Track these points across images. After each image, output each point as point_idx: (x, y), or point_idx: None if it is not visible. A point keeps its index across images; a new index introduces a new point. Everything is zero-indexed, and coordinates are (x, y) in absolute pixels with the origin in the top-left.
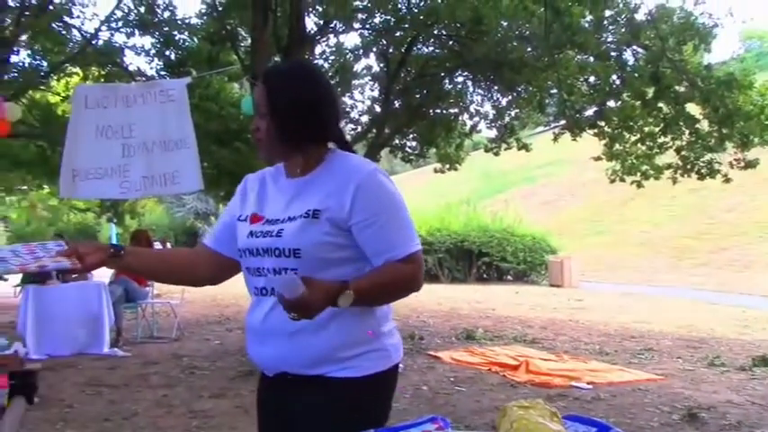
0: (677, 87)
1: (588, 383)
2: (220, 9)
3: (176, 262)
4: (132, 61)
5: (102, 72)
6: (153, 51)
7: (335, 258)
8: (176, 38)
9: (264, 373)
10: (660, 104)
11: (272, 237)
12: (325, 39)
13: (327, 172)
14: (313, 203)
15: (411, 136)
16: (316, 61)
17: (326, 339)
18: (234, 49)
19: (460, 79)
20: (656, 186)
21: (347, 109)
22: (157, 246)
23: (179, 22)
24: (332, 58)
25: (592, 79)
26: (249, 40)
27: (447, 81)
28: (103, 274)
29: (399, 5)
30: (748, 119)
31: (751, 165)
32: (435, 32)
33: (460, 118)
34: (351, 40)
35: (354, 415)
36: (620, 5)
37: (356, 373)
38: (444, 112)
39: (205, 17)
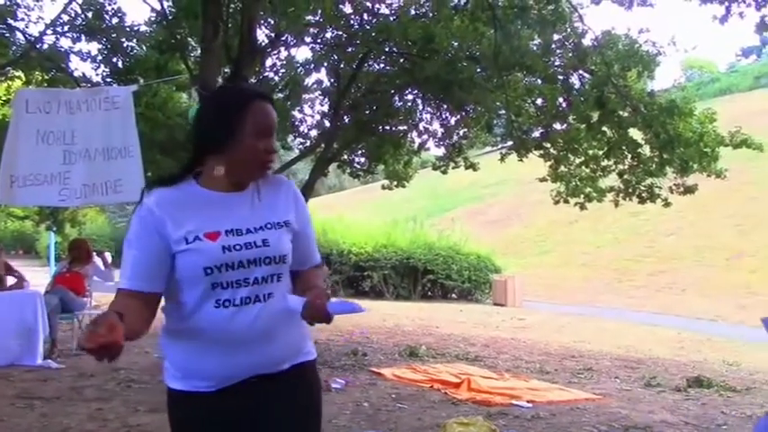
0: (621, 112)
1: (528, 402)
2: (170, 18)
3: (140, 315)
4: (78, 67)
5: (47, 77)
6: (99, 58)
7: None
8: (124, 45)
9: (208, 389)
10: (604, 128)
11: (258, 247)
12: (276, 52)
13: (267, 185)
14: (279, 213)
15: (360, 152)
16: (266, 74)
17: (298, 333)
18: (183, 58)
19: (410, 97)
20: (599, 209)
21: (296, 123)
22: (97, 259)
23: (127, 29)
24: (282, 71)
25: (539, 101)
26: (199, 51)
27: (397, 98)
28: (39, 284)
29: (351, 22)
30: (688, 145)
31: (690, 190)
32: (387, 50)
33: (409, 135)
34: (302, 54)
35: (320, 392)
36: (568, 30)
37: (312, 355)
38: (393, 129)
39: (154, 25)
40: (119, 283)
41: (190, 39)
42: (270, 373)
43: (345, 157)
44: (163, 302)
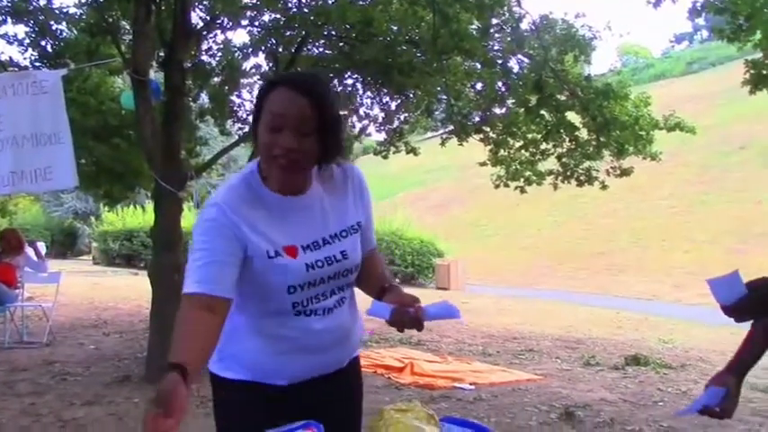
0: (558, 96)
1: (471, 384)
2: (101, 0)
3: (213, 333)
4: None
5: None
6: (27, 41)
7: None
8: (53, 28)
9: (276, 382)
10: (543, 112)
11: (338, 261)
12: (212, 35)
13: (329, 181)
14: (351, 216)
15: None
16: (201, 58)
17: (358, 323)
18: (115, 42)
19: (350, 81)
20: (539, 193)
21: (235, 108)
22: (29, 249)
23: (56, 11)
24: (219, 55)
25: (478, 86)
26: (131, 34)
27: (336, 82)
28: None
29: (289, 5)
30: (624, 128)
31: (626, 173)
32: (325, 33)
33: (350, 120)
34: (239, 37)
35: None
36: (506, 15)
37: (359, 350)
38: None
39: (84, 7)
40: (184, 288)
41: (122, 21)
42: (334, 371)
43: None
44: None
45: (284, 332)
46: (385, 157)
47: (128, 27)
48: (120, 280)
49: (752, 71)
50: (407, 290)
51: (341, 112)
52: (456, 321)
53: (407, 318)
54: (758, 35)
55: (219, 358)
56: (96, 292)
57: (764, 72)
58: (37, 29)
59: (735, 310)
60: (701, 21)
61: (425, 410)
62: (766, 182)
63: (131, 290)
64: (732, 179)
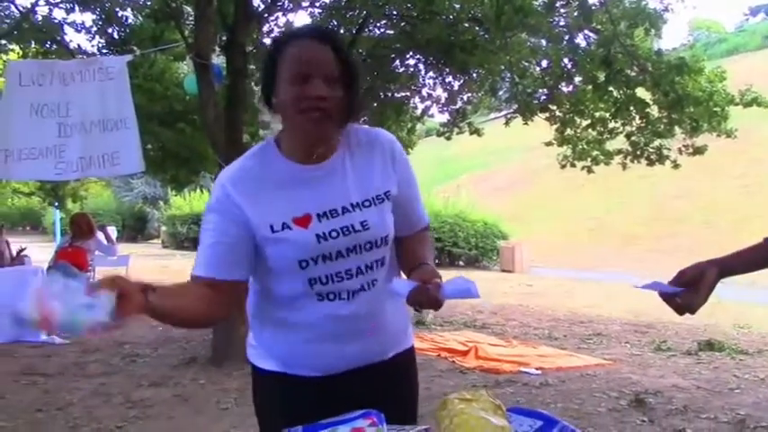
0: (628, 71)
1: (537, 369)
2: None
3: (193, 296)
4: (73, 39)
5: (41, 49)
6: (94, 29)
7: None
8: (119, 15)
9: (312, 374)
10: (611, 89)
11: (357, 231)
12: (273, 17)
13: (361, 146)
14: (377, 184)
15: (362, 119)
16: (264, 40)
17: (403, 319)
18: (178, 27)
19: (412, 62)
20: (606, 173)
21: None
22: (99, 234)
23: None
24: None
25: (544, 63)
26: (194, 18)
27: (398, 63)
28: (42, 259)
29: None
30: (698, 104)
31: (699, 151)
32: (386, 13)
33: (412, 101)
34: (301, 19)
35: (417, 379)
36: None
37: (411, 341)
38: (396, 95)
39: None
40: (192, 270)
41: (185, 6)
42: (375, 363)
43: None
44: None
45: (308, 319)
46: (448, 138)
47: (191, 12)
48: (188, 263)
49: None
50: (471, 274)
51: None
52: (521, 305)
53: (425, 297)
54: None
55: (254, 345)
56: (165, 275)
57: None
58: (103, 16)
59: None
60: None
61: (492, 400)
62: None
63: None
64: None
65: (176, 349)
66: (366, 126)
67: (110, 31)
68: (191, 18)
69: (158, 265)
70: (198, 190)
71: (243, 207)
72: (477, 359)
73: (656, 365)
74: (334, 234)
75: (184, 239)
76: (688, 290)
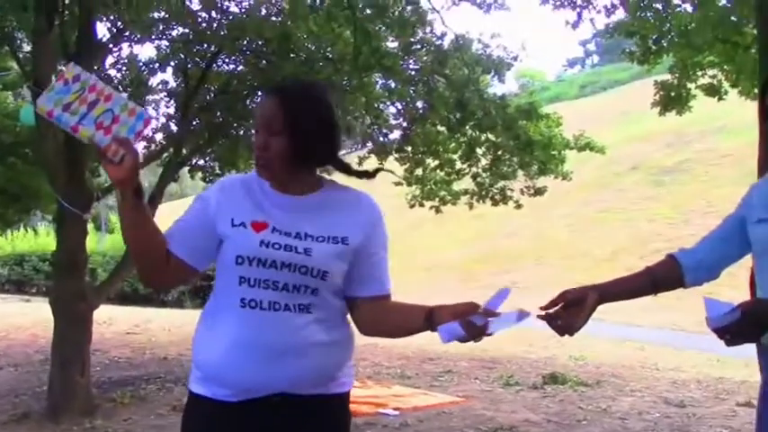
0: (480, 114)
1: (394, 409)
2: None
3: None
4: None
5: None
6: None
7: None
8: None
9: (228, 398)
10: (466, 129)
11: (297, 253)
12: (118, 48)
13: (340, 199)
14: (341, 230)
15: (212, 156)
16: (107, 72)
17: (336, 358)
18: (12, 53)
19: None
20: (445, 212)
21: None
22: None
23: None
24: (125, 69)
25: (398, 105)
26: (30, 46)
27: (250, 100)
28: None
29: (200, 19)
30: (546, 148)
31: (539, 192)
32: (240, 49)
33: None
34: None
35: (347, 429)
36: (428, 32)
37: (347, 387)
38: (248, 132)
39: None
40: None
41: (19, 33)
42: (295, 395)
43: (196, 161)
44: None
45: (228, 322)
46: None
47: (26, 38)
48: (10, 307)
49: (661, 93)
50: None
51: (328, 117)
52: (370, 343)
53: (476, 331)
54: (669, 58)
55: (192, 368)
56: None
57: (672, 94)
58: None
59: (727, 332)
60: (591, 46)
61: None
62: (658, 200)
63: (24, 318)
64: (626, 198)
65: (5, 404)
66: (362, 192)
67: None
68: (26, 43)
69: None
70: (22, 228)
71: (220, 205)
72: None
73: (506, 400)
74: (276, 246)
75: (6, 282)
76: (568, 311)
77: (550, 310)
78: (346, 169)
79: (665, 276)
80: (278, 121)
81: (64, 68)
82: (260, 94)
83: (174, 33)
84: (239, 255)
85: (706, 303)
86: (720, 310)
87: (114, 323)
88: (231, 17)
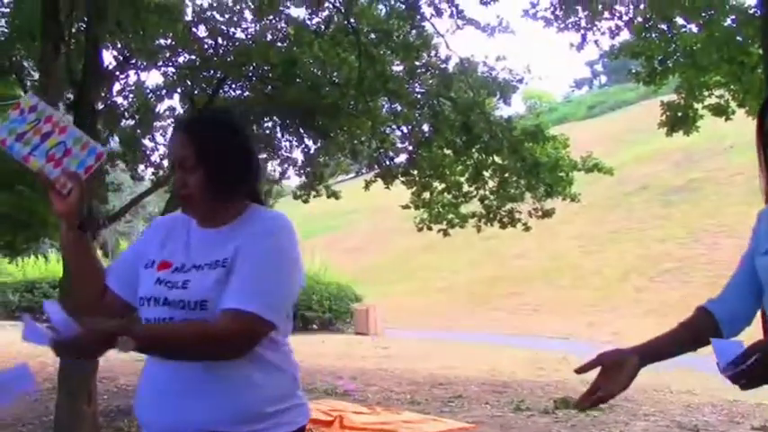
0: (485, 137)
1: None
2: (2, 39)
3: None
4: None
5: None
6: None
7: None
8: None
9: None
10: (472, 152)
11: (177, 288)
12: (125, 76)
13: (244, 223)
14: (222, 252)
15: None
16: (114, 99)
17: (255, 393)
18: (19, 81)
19: (270, 124)
20: (455, 234)
21: (148, 152)
22: None
23: None
24: (131, 97)
25: (404, 128)
26: (37, 74)
27: (255, 126)
28: None
29: (206, 46)
30: (552, 170)
31: (547, 214)
32: (246, 74)
33: (270, 164)
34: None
35: None
36: (433, 55)
37: (288, 428)
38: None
39: None
40: None
41: (26, 62)
42: None
43: None
44: None
45: (147, 362)
46: (306, 201)
47: (33, 67)
48: (18, 336)
49: (668, 113)
50: (326, 337)
51: (241, 144)
52: (380, 369)
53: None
54: (676, 78)
55: None
56: None
57: (679, 114)
58: None
59: (743, 378)
60: (599, 67)
61: None
62: (668, 220)
63: (34, 345)
64: (636, 218)
65: None
66: (274, 211)
67: None
68: (33, 72)
69: None
70: (33, 255)
71: (146, 244)
72: (343, 429)
73: (517, 426)
74: (169, 284)
75: (16, 308)
76: (606, 375)
77: (586, 372)
78: (258, 200)
79: (704, 331)
80: (190, 157)
81: (21, 99)
82: (267, 119)
83: (181, 60)
84: (141, 296)
85: (714, 346)
86: (731, 351)
87: None
88: (237, 43)
